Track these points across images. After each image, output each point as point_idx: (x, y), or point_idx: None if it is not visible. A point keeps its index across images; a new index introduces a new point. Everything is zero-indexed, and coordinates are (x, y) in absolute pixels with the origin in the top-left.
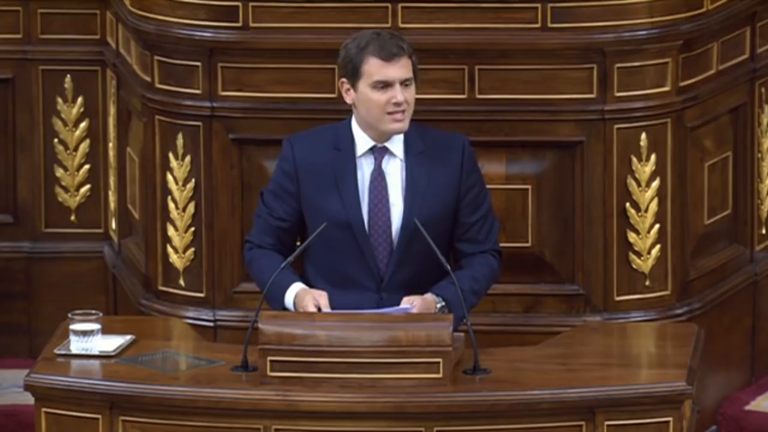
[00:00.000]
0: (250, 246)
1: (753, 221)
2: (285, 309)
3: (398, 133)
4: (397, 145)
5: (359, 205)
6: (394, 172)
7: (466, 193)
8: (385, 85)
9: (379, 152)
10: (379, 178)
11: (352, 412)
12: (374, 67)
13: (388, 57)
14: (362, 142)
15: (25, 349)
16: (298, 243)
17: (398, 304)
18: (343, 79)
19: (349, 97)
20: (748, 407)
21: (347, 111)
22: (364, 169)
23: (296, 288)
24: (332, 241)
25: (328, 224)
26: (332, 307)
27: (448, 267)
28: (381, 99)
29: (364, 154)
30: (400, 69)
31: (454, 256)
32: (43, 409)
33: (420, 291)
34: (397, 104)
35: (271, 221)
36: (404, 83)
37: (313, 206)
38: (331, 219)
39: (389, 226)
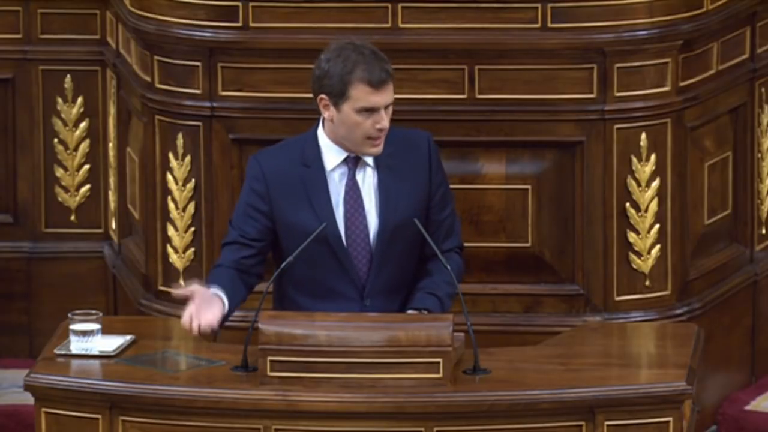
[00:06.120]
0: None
1: (753, 221)
2: None
3: (374, 155)
4: None
5: (334, 218)
6: (367, 179)
7: (437, 190)
8: (371, 110)
9: (352, 162)
10: (354, 188)
11: (352, 412)
12: (362, 93)
13: (377, 85)
14: (333, 155)
15: (25, 349)
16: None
17: (381, 308)
18: (323, 96)
19: (327, 113)
20: (748, 407)
21: None
22: (336, 181)
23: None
24: (310, 255)
25: (303, 239)
26: None
27: (444, 260)
28: (366, 124)
29: (335, 167)
30: (386, 95)
31: (423, 255)
32: (43, 409)
33: (401, 291)
34: (381, 130)
35: (243, 242)
36: (387, 107)
37: (287, 224)
38: (307, 235)
39: (367, 235)
